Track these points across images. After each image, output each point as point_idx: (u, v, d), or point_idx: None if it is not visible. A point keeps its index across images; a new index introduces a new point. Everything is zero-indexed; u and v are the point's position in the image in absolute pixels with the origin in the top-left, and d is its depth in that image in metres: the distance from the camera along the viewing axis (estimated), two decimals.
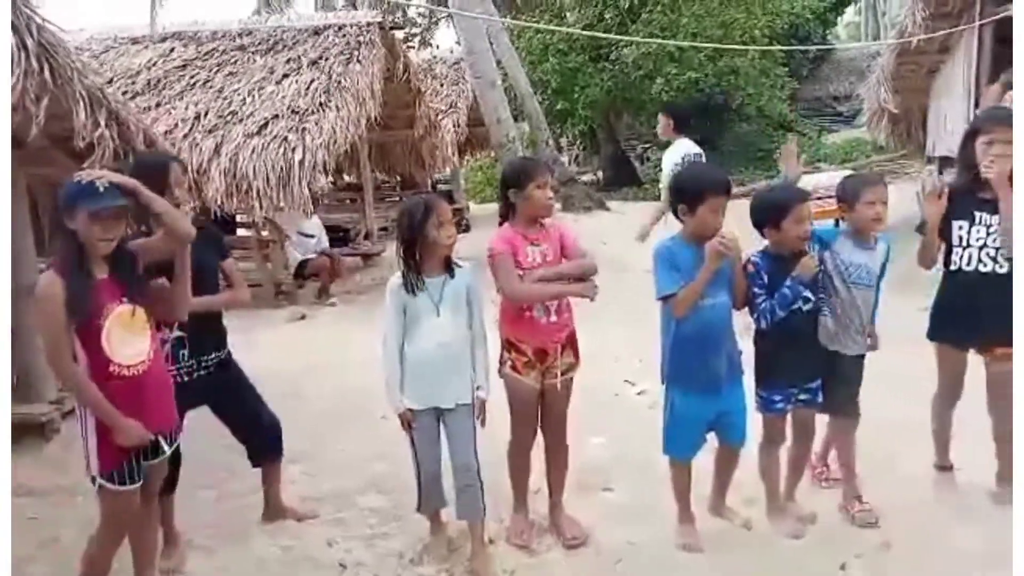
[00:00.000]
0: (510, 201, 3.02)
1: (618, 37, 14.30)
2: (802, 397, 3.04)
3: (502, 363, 3.08)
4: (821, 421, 3.24)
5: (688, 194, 2.85)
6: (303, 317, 7.50)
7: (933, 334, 3.26)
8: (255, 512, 3.41)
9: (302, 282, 8.46)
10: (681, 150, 5.54)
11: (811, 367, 3.02)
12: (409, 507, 3.18)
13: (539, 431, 3.17)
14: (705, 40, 14.37)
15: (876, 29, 35.09)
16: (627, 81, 16.28)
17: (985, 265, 3.03)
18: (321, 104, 8.02)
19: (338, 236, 9.23)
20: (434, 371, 2.89)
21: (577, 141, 20.92)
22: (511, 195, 3.01)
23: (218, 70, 8.88)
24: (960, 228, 3.09)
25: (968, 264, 3.06)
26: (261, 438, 3.31)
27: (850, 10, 26.04)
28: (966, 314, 3.08)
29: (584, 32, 14.24)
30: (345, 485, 3.72)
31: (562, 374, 3.07)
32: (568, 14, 17.56)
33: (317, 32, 9.17)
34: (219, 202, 7.40)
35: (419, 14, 22.84)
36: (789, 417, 3.10)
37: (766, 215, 2.93)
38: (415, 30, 23.62)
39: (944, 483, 3.36)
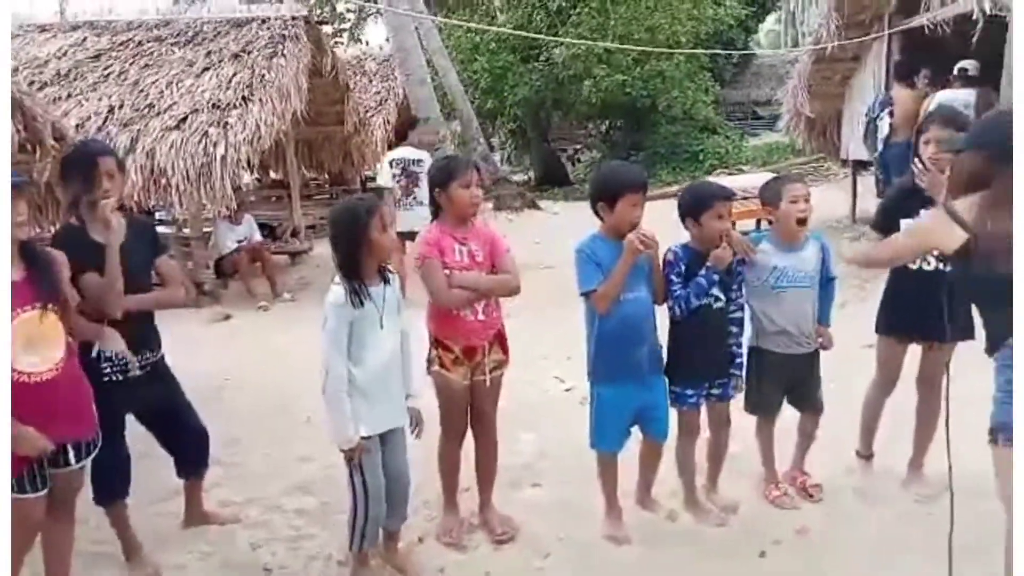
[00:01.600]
0: (437, 201, 3.00)
1: (547, 37, 14.40)
2: (714, 392, 3.13)
3: (430, 361, 3.06)
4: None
5: (607, 191, 2.90)
6: (227, 317, 7.28)
7: (879, 328, 3.35)
8: (174, 519, 3.30)
9: (226, 280, 8.22)
10: None
11: (722, 363, 3.11)
12: (336, 507, 3.13)
13: (468, 429, 3.17)
14: (633, 43, 14.62)
15: (795, 36, 36.39)
16: (557, 82, 16.43)
17: (928, 264, 3.08)
18: (244, 98, 7.79)
19: (265, 234, 9.01)
20: (384, 389, 2.73)
21: (508, 140, 20.98)
22: (436, 195, 2.99)
23: (133, 62, 8.54)
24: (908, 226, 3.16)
25: (913, 262, 3.10)
26: (190, 450, 3.20)
27: (771, 18, 26.92)
28: (910, 310, 3.16)
29: (514, 32, 14.29)
30: (270, 488, 3.63)
31: (491, 371, 3.07)
32: (499, 14, 17.61)
33: (239, 25, 8.91)
34: (136, 198, 7.11)
35: (348, 9, 22.52)
36: (705, 411, 3.19)
37: (688, 208, 3.01)
38: (344, 26, 23.27)
39: (863, 471, 3.49)
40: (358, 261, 2.63)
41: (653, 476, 3.27)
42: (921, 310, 3.06)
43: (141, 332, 2.93)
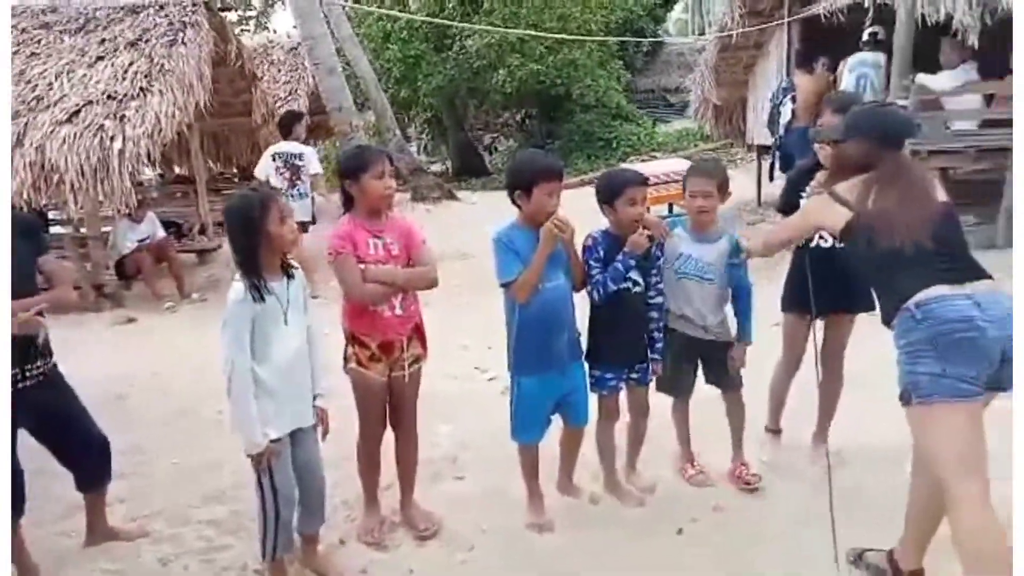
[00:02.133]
0: (349, 193, 2.92)
1: (460, 24, 14.27)
2: (633, 375, 3.17)
3: (347, 359, 2.98)
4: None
5: (522, 180, 2.88)
6: (131, 320, 6.94)
7: (783, 305, 3.46)
8: (76, 537, 3.11)
9: (128, 282, 7.83)
10: None
11: (640, 347, 3.14)
12: (249, 514, 3.02)
13: (388, 425, 3.11)
14: (544, 32, 14.67)
15: (701, 25, 37.42)
16: (471, 71, 16.34)
17: (826, 241, 3.18)
18: (142, 89, 7.41)
19: (170, 232, 8.62)
20: (291, 388, 2.62)
21: (424, 130, 20.77)
22: (347, 186, 2.90)
23: (18, 51, 7.98)
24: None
25: (812, 240, 3.19)
26: (89, 463, 3.01)
27: (678, 7, 27.49)
28: (813, 287, 3.18)
29: (426, 19, 14.11)
30: (179, 498, 3.47)
31: (409, 366, 3.02)
32: (410, 2, 17.35)
33: (135, 11, 8.45)
34: (25, 196, 6.67)
35: None
36: (624, 395, 3.23)
37: (604, 195, 3.03)
38: (251, 13, 22.47)
39: (772, 445, 3.62)
40: (256, 255, 2.51)
41: (574, 462, 3.29)
42: (820, 286, 3.17)
43: (27, 339, 2.73)
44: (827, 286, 3.14)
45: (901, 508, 2.54)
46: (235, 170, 11.73)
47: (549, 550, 2.99)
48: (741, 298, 3.23)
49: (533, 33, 13.88)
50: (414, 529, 3.12)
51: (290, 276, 2.64)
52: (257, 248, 2.51)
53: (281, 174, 7.38)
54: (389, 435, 3.14)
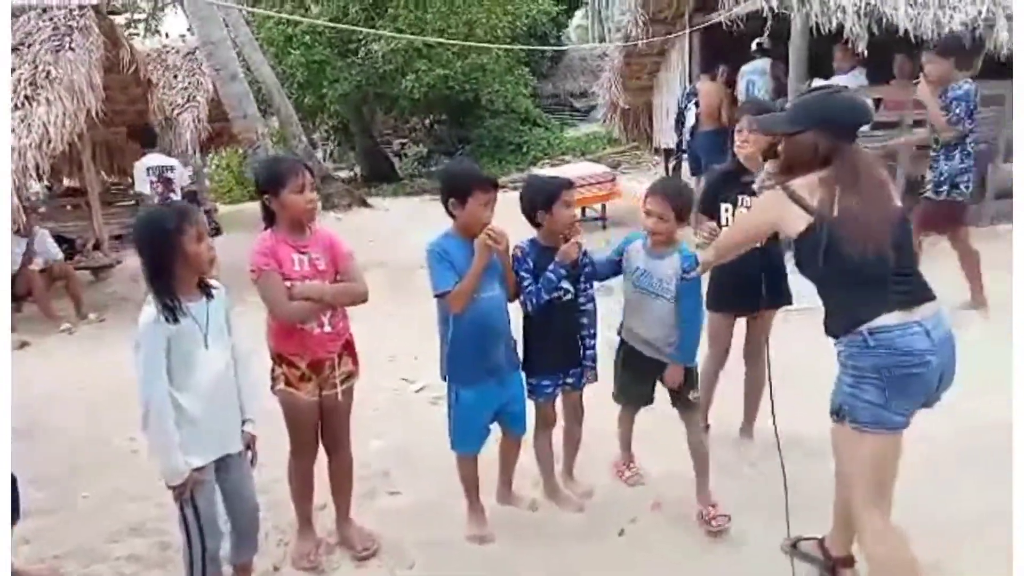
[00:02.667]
0: (269, 208, 2.79)
1: (362, 30, 14.02)
2: (568, 381, 3.18)
3: (274, 380, 2.86)
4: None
5: (456, 190, 2.84)
6: (24, 345, 6.45)
7: (708, 304, 3.41)
8: None
9: (19, 303, 7.28)
10: None
11: (573, 353, 3.14)
12: (175, 546, 2.85)
13: (320, 444, 3.01)
14: (451, 37, 14.64)
15: (601, 32, 38.36)
16: (378, 76, 16.11)
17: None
18: (27, 98, 6.91)
19: (64, 248, 8.06)
20: (216, 414, 2.47)
21: (330, 137, 20.33)
22: (267, 201, 2.78)
23: None
24: (726, 210, 3.38)
25: None
26: None
27: (578, 13, 28.02)
28: (736, 286, 3.37)
29: (328, 24, 13.78)
30: (93, 534, 3.25)
31: (341, 383, 2.93)
32: (312, 6, 16.94)
33: (16, 14, 7.86)
34: None
35: None
36: (560, 401, 3.24)
37: (538, 202, 2.99)
38: (139, 15, 21.42)
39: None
40: (170, 275, 2.36)
41: (513, 471, 3.28)
42: (741, 284, 3.31)
43: None
44: (750, 284, 3.25)
45: (830, 498, 2.66)
46: (130, 181, 11.14)
47: (491, 561, 2.97)
48: (684, 316, 3.04)
49: (439, 40, 13.82)
50: (352, 550, 3.04)
51: (210, 296, 2.50)
52: (171, 267, 2.36)
53: (155, 187, 7.71)
54: (320, 455, 3.04)
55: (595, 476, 3.47)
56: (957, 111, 4.89)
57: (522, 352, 3.11)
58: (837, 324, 2.27)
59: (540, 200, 2.99)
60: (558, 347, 3.10)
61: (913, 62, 6.76)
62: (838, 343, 2.29)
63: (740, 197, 3.35)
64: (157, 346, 2.33)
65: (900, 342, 2.14)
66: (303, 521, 3.07)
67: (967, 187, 5.07)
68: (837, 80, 7.26)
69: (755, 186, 2.82)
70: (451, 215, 2.88)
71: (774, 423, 2.75)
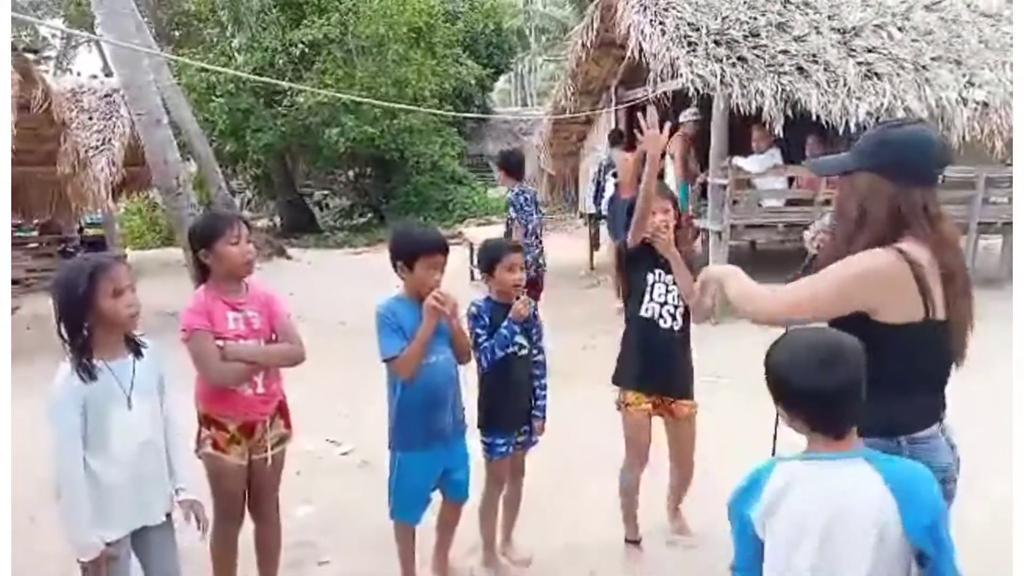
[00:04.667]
0: (202, 263, 2.69)
1: (287, 84, 13.94)
2: (520, 439, 3.16)
3: (200, 443, 2.70)
4: None
5: (403, 252, 2.82)
6: None
7: (621, 381, 3.26)
8: None
9: None
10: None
11: (527, 409, 3.15)
12: None
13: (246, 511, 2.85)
14: (379, 96, 14.72)
15: (523, 95, 39.63)
16: (303, 127, 16.00)
17: (664, 321, 3.16)
18: None
19: None
20: (135, 482, 2.29)
21: (250, 185, 19.94)
22: (201, 256, 2.67)
23: None
24: (646, 280, 3.19)
25: (653, 315, 3.16)
26: None
27: (502, 78, 28.85)
28: (655, 363, 3.18)
29: (252, 77, 13.63)
30: None
31: (273, 447, 2.80)
32: (237, 55, 16.79)
33: None
34: None
35: (53, 35, 20.08)
36: None
37: (483, 263, 3.06)
38: (49, 53, 20.71)
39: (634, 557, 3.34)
40: (86, 334, 2.20)
41: (451, 539, 3.18)
42: (657, 364, 3.16)
43: None
44: (669, 367, 3.18)
45: None
46: (35, 222, 10.58)
47: None
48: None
49: (366, 100, 13.88)
50: None
51: (138, 354, 2.34)
52: (83, 325, 2.21)
53: None
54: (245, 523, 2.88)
55: (537, 540, 3.39)
56: None
57: (479, 410, 3.08)
58: (870, 424, 1.74)
59: (483, 263, 3.04)
60: (514, 403, 3.09)
61: (824, 143, 7.25)
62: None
63: (658, 272, 3.19)
64: (70, 408, 2.16)
65: (930, 456, 1.84)
66: None
67: None
68: (753, 158, 7.71)
69: (809, 236, 2.30)
70: (401, 277, 2.85)
71: None
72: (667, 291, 3.19)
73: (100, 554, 2.20)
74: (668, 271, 3.16)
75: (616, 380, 3.29)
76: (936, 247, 1.81)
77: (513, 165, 6.28)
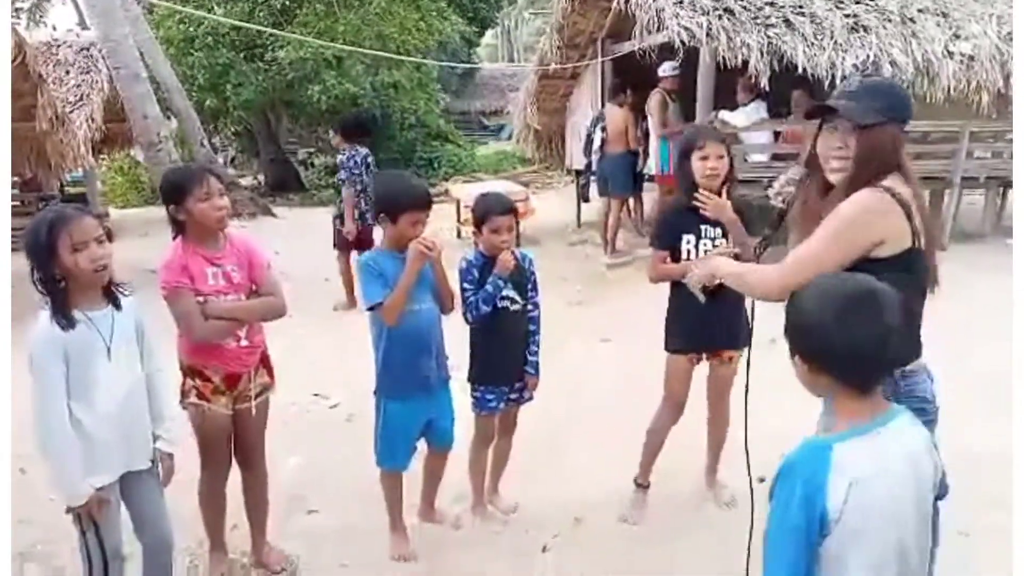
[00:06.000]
0: (176, 218, 2.66)
1: (268, 30, 13.59)
2: (512, 397, 3.18)
3: (185, 393, 2.73)
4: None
5: (387, 206, 2.82)
6: None
7: (670, 346, 3.21)
8: None
9: None
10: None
11: (520, 366, 3.15)
12: (67, 573, 2.66)
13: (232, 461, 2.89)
14: (361, 51, 14.45)
15: (510, 51, 39.03)
16: (284, 83, 15.71)
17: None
18: None
19: None
20: (119, 431, 2.30)
21: (234, 142, 19.65)
22: (173, 212, 2.64)
23: None
24: (688, 242, 3.06)
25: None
26: None
27: (489, 33, 28.38)
28: (695, 324, 3.08)
29: (234, 22, 13.31)
30: None
31: (256, 397, 2.83)
32: (216, 7, 16.38)
33: None
34: None
35: None
36: None
37: (475, 217, 3.03)
38: (21, 4, 20.14)
39: (638, 503, 3.36)
40: (55, 285, 2.19)
41: (437, 486, 3.25)
42: (702, 324, 3.04)
43: None
44: (711, 325, 3.04)
45: None
46: (16, 179, 10.40)
47: None
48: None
49: (350, 48, 13.59)
50: (268, 570, 2.93)
51: (117, 305, 2.33)
52: (55, 276, 2.19)
53: None
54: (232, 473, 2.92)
55: (522, 493, 3.45)
56: None
57: (469, 364, 3.10)
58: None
59: (475, 219, 3.02)
60: (506, 358, 3.10)
61: (811, 97, 7.22)
62: None
63: (703, 228, 3.06)
64: (51, 357, 2.17)
65: (919, 388, 1.97)
66: (215, 541, 2.95)
67: None
68: (739, 112, 7.67)
69: (774, 191, 2.52)
70: (381, 228, 2.85)
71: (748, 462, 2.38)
72: (713, 246, 3.03)
73: (90, 499, 2.23)
74: (713, 226, 3.00)
75: (666, 346, 3.23)
76: (910, 181, 1.98)
77: (349, 128, 6.93)
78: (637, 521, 3.26)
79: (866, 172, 1.97)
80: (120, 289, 2.37)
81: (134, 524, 2.47)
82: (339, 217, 6.93)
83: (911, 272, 1.91)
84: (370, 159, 6.85)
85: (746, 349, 2.44)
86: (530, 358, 3.16)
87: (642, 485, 3.35)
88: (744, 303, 2.99)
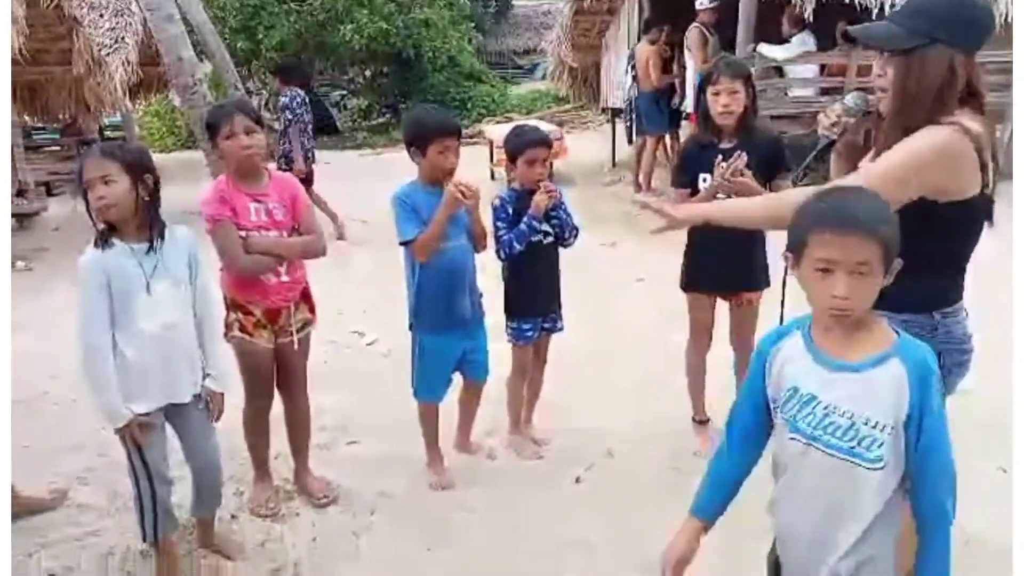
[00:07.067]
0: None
1: None
2: (546, 325, 3.22)
3: (228, 327, 2.80)
4: None
5: (415, 137, 2.81)
6: None
7: (685, 285, 3.24)
8: None
9: None
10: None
11: (555, 296, 3.19)
12: (125, 496, 2.80)
13: (276, 392, 2.98)
14: None
15: None
16: (317, 24, 15.57)
17: None
18: None
19: None
20: (158, 364, 2.34)
21: (266, 85, 19.62)
22: (215, 148, 2.74)
23: None
24: (704, 180, 2.96)
25: None
26: None
27: None
28: (713, 264, 3.08)
29: None
30: (37, 484, 3.14)
31: (298, 331, 2.89)
32: None
33: None
34: None
35: None
36: None
37: (509, 153, 3.02)
38: None
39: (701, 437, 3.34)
40: (95, 218, 2.28)
41: (473, 419, 3.32)
42: (720, 265, 3.04)
43: None
44: (729, 264, 3.03)
45: None
46: (58, 123, 10.58)
47: (451, 507, 3.00)
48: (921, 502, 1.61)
49: None
50: (311, 497, 3.03)
51: (161, 239, 2.36)
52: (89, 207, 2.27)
53: None
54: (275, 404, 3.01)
55: (554, 424, 3.51)
56: None
57: (504, 295, 3.13)
58: (906, 300, 1.71)
59: (508, 152, 3.00)
60: (541, 290, 3.14)
61: None
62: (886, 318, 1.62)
63: (723, 165, 2.88)
64: (95, 282, 2.24)
65: (958, 328, 1.87)
66: (260, 468, 3.05)
67: None
68: (784, 46, 7.41)
69: (828, 122, 2.12)
70: (415, 163, 2.85)
71: None
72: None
73: (131, 422, 2.30)
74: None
75: (681, 285, 3.26)
76: (982, 115, 1.76)
77: (287, 71, 7.80)
78: (709, 453, 3.18)
79: (913, 106, 1.74)
80: (166, 225, 2.40)
81: (184, 452, 2.55)
82: (283, 157, 7.30)
83: (973, 219, 1.80)
84: (307, 99, 7.46)
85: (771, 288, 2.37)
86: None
87: (700, 421, 3.37)
88: (760, 243, 3.02)
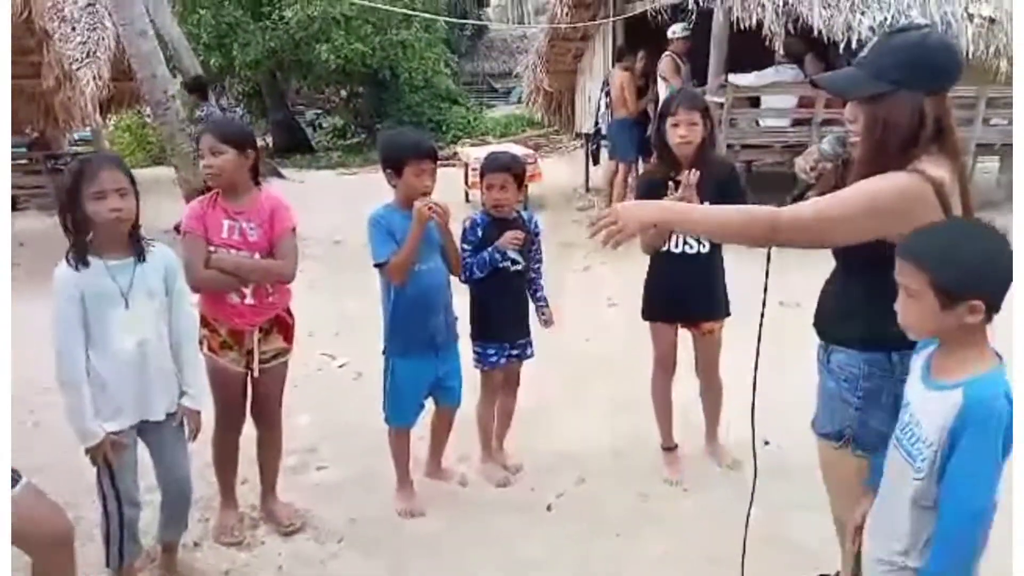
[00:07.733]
0: None
1: None
2: (513, 352, 3.21)
3: (200, 343, 2.75)
4: None
5: (390, 159, 2.84)
6: None
7: (647, 315, 3.25)
8: None
9: None
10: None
11: (522, 323, 3.19)
12: (89, 521, 2.72)
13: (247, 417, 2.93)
14: (370, 11, 14.24)
15: (520, 13, 38.36)
16: (292, 42, 15.55)
17: (691, 247, 3.03)
18: None
19: None
20: (131, 381, 2.33)
21: (241, 103, 19.52)
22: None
23: None
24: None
25: (676, 247, 3.04)
26: None
27: None
28: (672, 294, 3.11)
29: None
30: None
31: (270, 360, 2.85)
32: None
33: None
34: None
35: None
36: None
37: (479, 175, 3.08)
38: None
39: (670, 464, 3.34)
40: (79, 229, 2.26)
41: (444, 444, 3.29)
42: (682, 294, 3.08)
43: None
44: (692, 294, 3.09)
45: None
46: (26, 132, 10.40)
47: (421, 535, 2.97)
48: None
49: (359, 1, 13.35)
50: (278, 524, 2.98)
51: (141, 257, 2.35)
52: (75, 222, 2.25)
53: None
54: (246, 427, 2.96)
55: (526, 450, 3.49)
56: None
57: (470, 319, 3.13)
58: (860, 334, 1.81)
59: (480, 176, 3.04)
60: (506, 317, 3.14)
61: (827, 62, 7.11)
62: (840, 353, 1.88)
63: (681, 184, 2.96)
64: (67, 300, 2.24)
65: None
66: (226, 493, 2.99)
67: None
68: (759, 73, 7.54)
69: (805, 164, 2.07)
70: (391, 185, 2.85)
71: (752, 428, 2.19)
72: None
73: (103, 441, 2.28)
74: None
75: (643, 315, 3.26)
76: (953, 159, 1.73)
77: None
78: (679, 480, 3.23)
79: (882, 151, 1.71)
80: (147, 241, 2.40)
81: (156, 471, 2.52)
82: None
83: None
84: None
85: (750, 313, 2.34)
86: (538, 303, 3.24)
87: (668, 448, 3.37)
88: (719, 274, 3.12)
